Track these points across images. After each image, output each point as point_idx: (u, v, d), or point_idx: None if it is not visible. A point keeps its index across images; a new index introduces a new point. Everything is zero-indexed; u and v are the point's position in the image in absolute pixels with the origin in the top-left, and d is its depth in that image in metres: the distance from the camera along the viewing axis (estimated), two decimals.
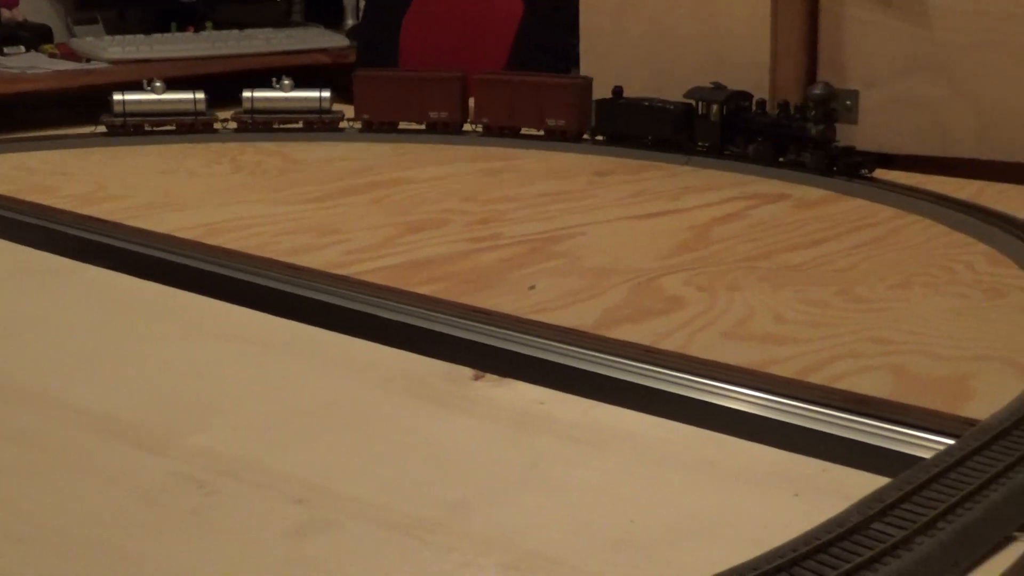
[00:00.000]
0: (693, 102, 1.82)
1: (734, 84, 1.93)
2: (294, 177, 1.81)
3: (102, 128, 2.12)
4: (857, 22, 1.93)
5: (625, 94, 1.94)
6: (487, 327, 1.08)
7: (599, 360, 1.01)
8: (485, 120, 2.05)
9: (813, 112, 1.64)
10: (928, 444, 0.85)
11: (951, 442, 0.82)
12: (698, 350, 1.02)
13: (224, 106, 2.16)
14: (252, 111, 2.12)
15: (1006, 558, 0.70)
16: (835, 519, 0.71)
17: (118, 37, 3.12)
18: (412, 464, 0.83)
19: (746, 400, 0.94)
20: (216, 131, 2.15)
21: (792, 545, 0.68)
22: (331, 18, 3.79)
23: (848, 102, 1.93)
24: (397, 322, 1.12)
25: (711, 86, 1.80)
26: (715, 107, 1.78)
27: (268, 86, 2.13)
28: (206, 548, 0.72)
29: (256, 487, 0.80)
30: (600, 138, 1.97)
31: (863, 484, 0.76)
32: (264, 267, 1.29)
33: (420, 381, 0.98)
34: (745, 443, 0.86)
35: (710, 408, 0.94)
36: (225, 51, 3.25)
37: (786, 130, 1.70)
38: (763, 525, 0.73)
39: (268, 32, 3.45)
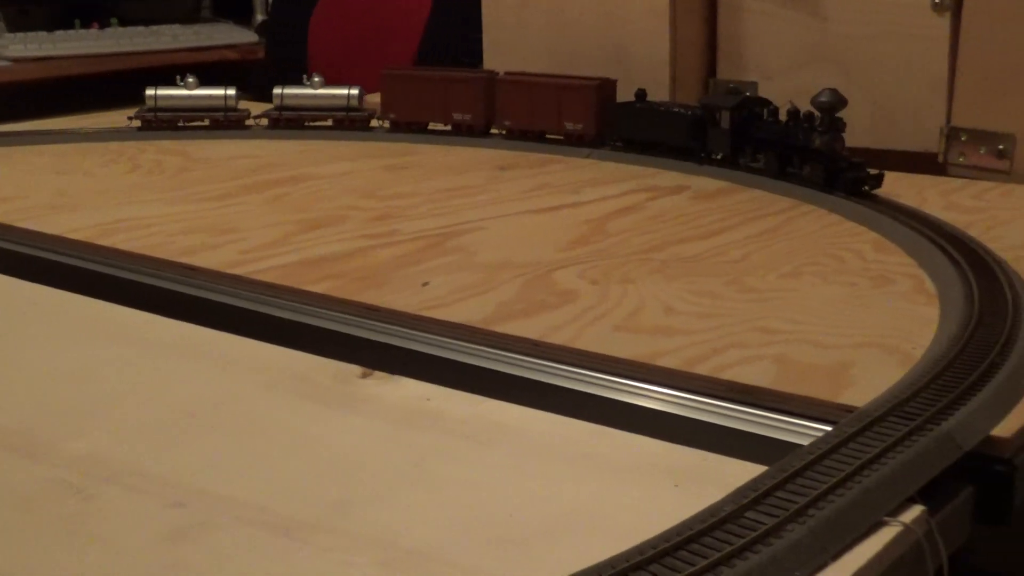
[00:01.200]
0: (708, 109, 1.71)
1: (635, 77, 1.94)
2: (193, 176, 1.79)
3: (137, 123, 2.12)
4: (755, 14, 1.95)
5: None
6: (377, 324, 1.08)
7: (487, 355, 1.02)
8: (507, 123, 1.97)
9: (818, 121, 1.51)
10: (807, 432, 0.87)
11: (829, 429, 0.83)
12: (587, 343, 1.03)
13: (131, 104, 2.14)
14: (156, 109, 2.10)
15: (877, 542, 0.71)
16: (709, 509, 0.72)
17: (19, 35, 3.07)
18: (294, 464, 0.83)
19: (632, 392, 0.95)
20: (248, 127, 2.12)
21: (665, 536, 0.69)
22: (240, 14, 3.76)
23: (749, 93, 1.95)
24: (287, 321, 1.12)
25: (728, 90, 1.70)
26: (725, 114, 1.65)
27: (172, 84, 2.12)
28: (80, 555, 0.71)
29: (134, 491, 0.79)
30: (619, 144, 1.88)
31: (743, 473, 0.77)
32: (156, 268, 1.27)
33: (307, 380, 0.97)
34: (628, 435, 0.87)
35: (596, 401, 0.95)
36: (131, 48, 3.22)
37: (793, 140, 1.57)
38: (642, 516, 0.74)
39: (175, 28, 3.42)
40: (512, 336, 1.05)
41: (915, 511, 0.75)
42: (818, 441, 0.80)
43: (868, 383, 0.92)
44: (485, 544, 0.72)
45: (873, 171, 1.51)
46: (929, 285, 1.19)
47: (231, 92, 2.12)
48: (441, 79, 2.02)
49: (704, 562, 0.66)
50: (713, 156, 1.72)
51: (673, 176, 1.73)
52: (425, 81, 2.05)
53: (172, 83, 2.12)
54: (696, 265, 1.28)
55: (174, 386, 0.98)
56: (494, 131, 2.01)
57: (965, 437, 0.82)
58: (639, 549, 0.67)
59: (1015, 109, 1.68)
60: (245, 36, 3.58)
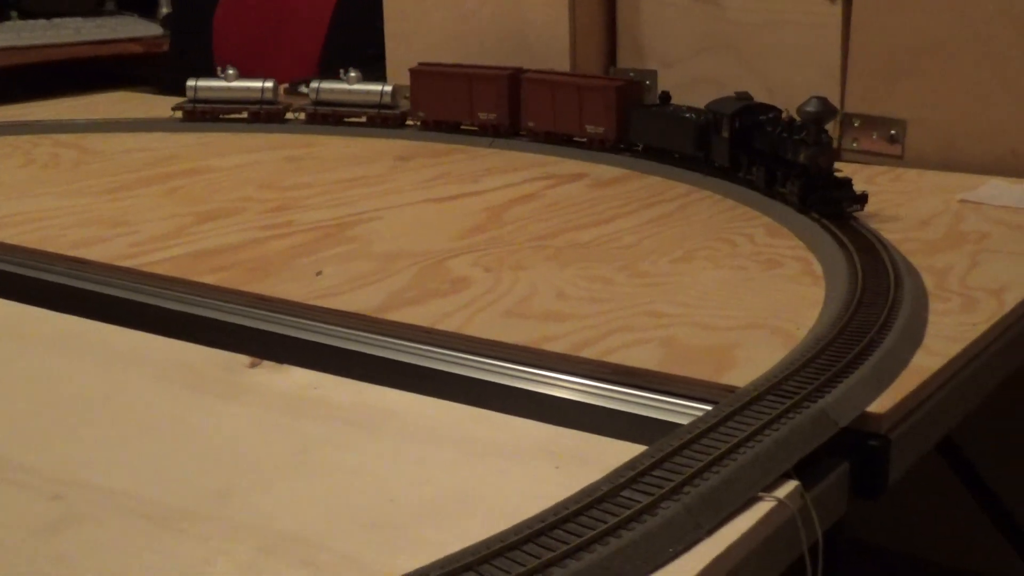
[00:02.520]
0: (712, 115, 1.56)
1: (536, 65, 1.95)
2: (89, 169, 1.77)
3: (179, 114, 2.08)
4: (653, 2, 1.97)
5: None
6: (266, 314, 1.08)
7: (377, 343, 1.02)
8: (531, 124, 1.87)
9: (804, 133, 1.35)
10: (689, 412, 0.88)
11: (710, 409, 0.85)
12: (478, 330, 1.03)
13: (32, 99, 2.12)
14: (195, 101, 2.08)
15: (751, 517, 0.73)
16: (586, 489, 0.73)
17: None
18: (177, 455, 0.82)
19: (518, 376, 0.96)
20: (286, 121, 2.07)
21: (541, 516, 0.70)
22: (145, 6, 3.71)
23: (647, 82, 1.97)
24: (177, 312, 1.11)
25: (736, 95, 1.52)
26: (725, 121, 1.50)
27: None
28: None
29: (14, 485, 0.78)
30: (639, 148, 1.76)
31: (624, 454, 0.78)
32: (45, 261, 1.26)
33: (195, 371, 0.97)
34: (513, 418, 0.87)
35: (483, 386, 0.95)
36: (31, 42, 3.16)
37: (782, 152, 1.41)
38: (521, 498, 0.74)
39: (78, 21, 3.36)
40: (402, 324, 1.05)
41: (790, 486, 0.76)
42: (696, 421, 0.81)
43: (751, 364, 0.94)
44: (364, 528, 0.72)
45: (858, 191, 1.36)
46: (816, 267, 1.21)
47: (268, 85, 2.07)
48: (466, 76, 1.92)
49: (578, 540, 0.67)
50: (717, 166, 1.56)
51: (573, 164, 1.74)
52: (451, 78, 1.93)
53: (92, 78, 2.08)
54: (590, 251, 1.29)
55: (59, 380, 0.97)
56: (522, 133, 1.91)
57: (841, 414, 0.84)
58: (515, 529, 0.68)
59: (906, 95, 1.72)
60: (149, 29, 3.53)
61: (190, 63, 3.31)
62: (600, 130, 1.77)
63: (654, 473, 0.75)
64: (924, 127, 1.71)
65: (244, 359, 0.98)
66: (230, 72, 2.08)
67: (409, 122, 2.01)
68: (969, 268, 1.20)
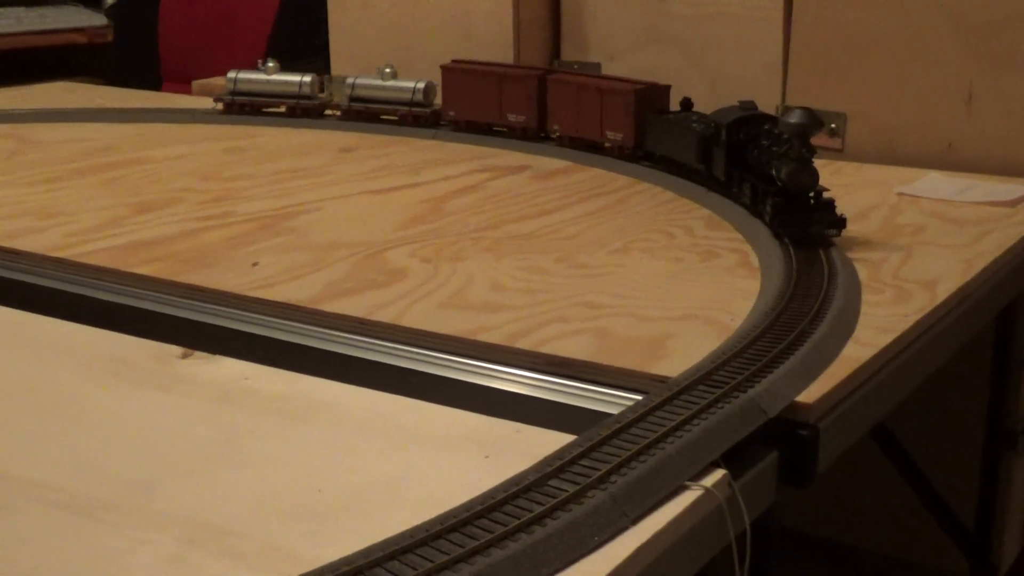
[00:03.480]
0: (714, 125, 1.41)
1: (480, 56, 1.95)
2: (25, 160, 1.74)
3: (220, 106, 2.03)
4: None
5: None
6: (199, 304, 1.07)
7: (310, 333, 1.02)
8: (556, 127, 1.75)
9: (787, 147, 1.22)
10: (620, 402, 0.88)
11: (640, 399, 0.85)
12: (413, 320, 1.03)
13: None
14: (235, 93, 2.02)
15: (678, 505, 0.73)
16: (514, 478, 0.73)
17: None
18: (101, 446, 0.81)
19: (451, 367, 0.96)
20: (324, 116, 1.99)
21: (468, 505, 0.69)
22: None
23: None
24: (109, 303, 1.10)
25: (740, 104, 1.39)
26: (722, 132, 1.37)
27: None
28: None
29: None
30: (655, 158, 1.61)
31: (554, 443, 0.77)
32: None
33: (125, 362, 0.96)
34: (445, 409, 0.87)
35: (417, 376, 0.95)
36: None
37: (767, 168, 1.26)
38: (450, 487, 0.74)
39: (19, 11, 3.33)
40: (336, 314, 1.04)
41: (717, 475, 0.76)
42: (626, 411, 0.81)
43: (684, 354, 0.94)
44: (290, 518, 0.71)
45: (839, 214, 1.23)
46: (753, 259, 1.22)
47: (307, 79, 1.99)
48: (496, 75, 1.80)
49: (504, 529, 0.67)
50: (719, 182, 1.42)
51: (515, 156, 1.74)
52: (481, 77, 1.82)
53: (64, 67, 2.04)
54: (529, 243, 1.29)
55: None
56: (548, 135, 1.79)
57: (770, 404, 0.85)
58: (441, 519, 0.68)
59: (846, 89, 1.73)
60: (93, 19, 3.50)
61: (135, 54, 3.29)
62: (619, 137, 1.64)
63: (581, 463, 0.75)
64: (864, 121, 1.72)
65: (176, 350, 0.98)
66: (270, 65, 2.00)
67: (442, 122, 1.91)
68: (904, 260, 1.21)
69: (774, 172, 1.22)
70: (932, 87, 1.66)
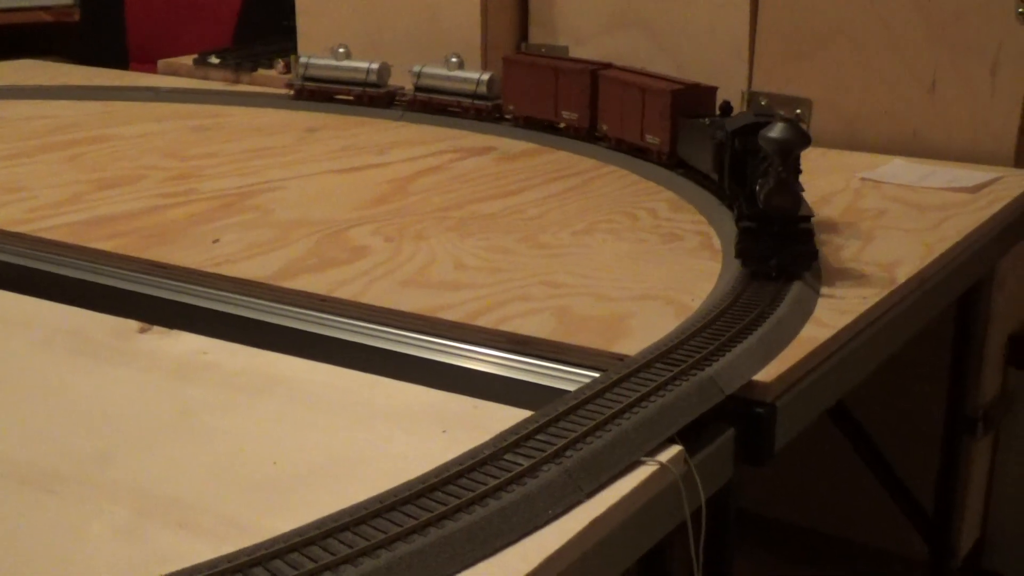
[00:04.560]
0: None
1: (447, 40, 1.94)
2: None
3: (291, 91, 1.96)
4: None
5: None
6: (159, 280, 1.06)
7: (270, 310, 1.01)
8: (605, 127, 1.61)
9: (766, 165, 1.07)
10: (579, 380, 0.88)
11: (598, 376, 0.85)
12: (374, 298, 1.03)
13: None
14: (304, 78, 1.95)
15: (633, 480, 0.73)
16: (471, 451, 0.73)
17: None
18: (57, 419, 0.81)
19: (411, 344, 0.96)
20: (392, 106, 1.88)
21: (423, 478, 0.70)
22: None
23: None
24: (67, 278, 1.09)
25: (757, 109, 1.28)
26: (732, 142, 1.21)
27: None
28: None
29: None
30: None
31: (512, 419, 0.78)
32: None
33: (82, 336, 0.95)
34: (404, 384, 0.87)
35: (377, 353, 0.95)
36: None
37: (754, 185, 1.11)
38: (406, 461, 0.74)
39: None
40: (297, 291, 1.04)
41: (673, 451, 0.77)
42: (583, 387, 0.82)
43: (644, 333, 0.94)
44: (245, 491, 0.71)
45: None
46: (716, 241, 1.22)
47: (375, 67, 1.89)
48: (552, 68, 1.66)
49: (457, 502, 0.67)
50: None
51: (481, 138, 1.74)
52: (538, 70, 1.68)
53: None
54: (492, 222, 1.28)
55: None
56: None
57: (727, 382, 0.85)
58: (395, 491, 0.68)
59: (812, 75, 1.73)
60: None
61: (102, 33, 3.27)
62: (656, 141, 1.49)
63: (538, 437, 0.75)
64: (829, 107, 1.73)
65: (134, 324, 0.97)
66: (340, 51, 1.91)
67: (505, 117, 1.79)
68: (865, 244, 1.21)
69: (757, 189, 1.07)
70: (897, 74, 1.66)
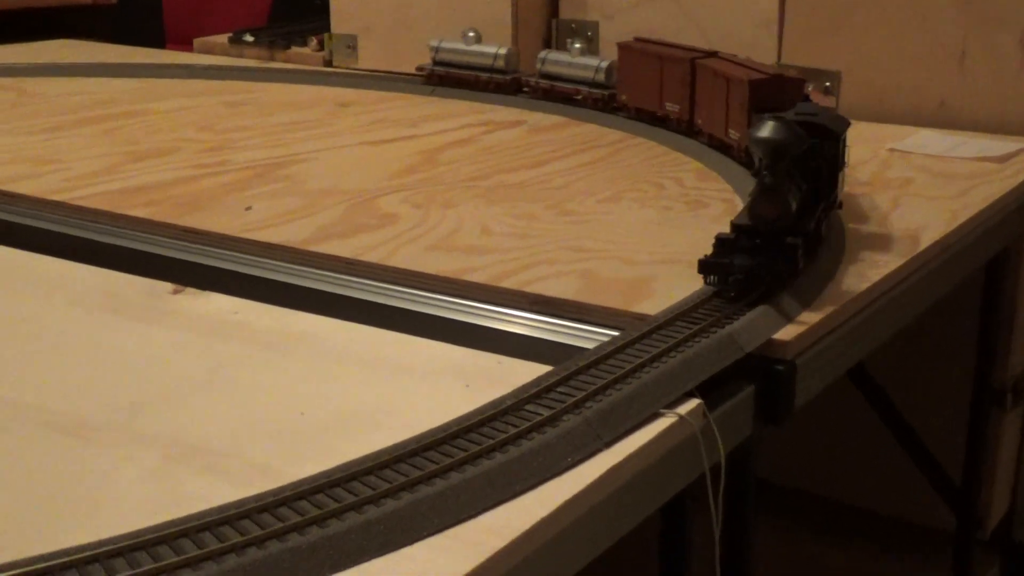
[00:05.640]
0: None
1: (476, 15, 1.95)
2: (25, 111, 1.76)
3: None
4: None
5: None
6: (192, 245, 1.08)
7: (298, 273, 1.03)
8: (700, 123, 1.49)
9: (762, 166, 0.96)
10: (601, 339, 0.89)
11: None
12: (401, 261, 1.05)
13: None
14: (436, 63, 1.87)
15: (651, 431, 0.74)
16: (492, 402, 0.75)
17: None
18: (90, 371, 0.83)
19: (437, 305, 0.97)
20: (519, 93, 1.80)
21: (445, 426, 0.71)
22: None
23: (589, 33, 1.98)
24: (103, 243, 1.11)
25: (798, 108, 1.12)
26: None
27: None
28: None
29: None
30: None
31: (534, 374, 0.79)
32: None
33: (116, 296, 0.98)
34: (428, 342, 0.89)
35: (402, 314, 0.97)
36: None
37: None
38: (430, 412, 0.76)
39: None
40: (325, 254, 1.06)
41: (692, 404, 0.78)
42: (605, 343, 0.83)
43: (666, 295, 0.95)
44: (272, 439, 0.73)
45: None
46: (740, 208, 1.23)
47: (502, 52, 1.81)
48: (657, 56, 1.55)
49: (477, 448, 0.69)
50: None
51: (510, 112, 1.75)
52: (646, 58, 1.57)
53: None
54: (519, 191, 1.30)
55: None
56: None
57: (748, 339, 0.86)
58: (417, 438, 0.70)
59: (841, 47, 1.74)
60: None
61: (139, 14, 3.30)
62: (736, 136, 1.36)
63: (558, 389, 0.76)
64: (857, 79, 1.73)
65: (167, 286, 0.99)
66: (470, 35, 1.85)
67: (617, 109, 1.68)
68: (890, 210, 1.22)
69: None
70: (925, 45, 1.66)
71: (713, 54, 1.51)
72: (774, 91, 1.30)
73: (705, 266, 0.94)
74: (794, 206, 0.93)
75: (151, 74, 2.06)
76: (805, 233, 0.95)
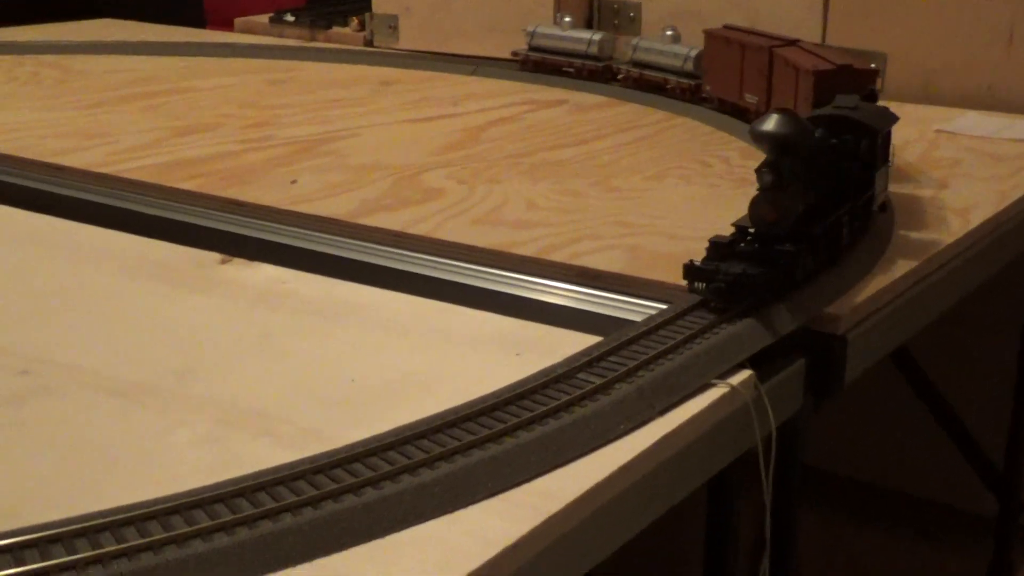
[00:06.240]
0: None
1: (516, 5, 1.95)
2: (70, 87, 1.77)
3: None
4: None
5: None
6: (239, 218, 1.09)
7: (346, 245, 1.03)
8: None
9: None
10: (649, 311, 0.89)
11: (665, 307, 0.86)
12: (447, 235, 1.04)
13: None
14: (531, 48, 1.81)
15: (704, 400, 0.74)
16: (544, 370, 0.74)
17: None
18: (142, 338, 0.83)
19: (485, 278, 0.97)
20: (611, 81, 1.73)
21: (497, 393, 0.71)
22: None
23: (632, 14, 1.97)
24: (152, 216, 1.12)
25: (835, 102, 1.04)
26: None
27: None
28: None
29: None
30: None
31: (584, 344, 0.79)
32: (22, 167, 1.26)
33: (166, 266, 0.98)
34: (479, 312, 0.89)
35: (450, 287, 0.96)
36: None
37: None
38: (481, 380, 0.75)
39: None
40: (373, 227, 1.06)
41: (744, 375, 0.78)
42: (653, 315, 0.83)
43: None
44: (323, 405, 0.73)
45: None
46: None
47: (596, 38, 1.75)
48: (739, 44, 1.44)
49: (530, 415, 0.69)
50: None
51: (554, 91, 1.74)
52: (729, 45, 1.47)
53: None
54: (564, 168, 1.30)
55: (32, 272, 0.98)
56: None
57: (799, 312, 0.86)
58: (470, 404, 0.70)
59: (886, 28, 1.72)
60: None
61: None
62: None
63: (610, 359, 0.76)
64: (904, 61, 1.72)
65: (215, 256, 1.00)
66: (567, 20, 1.79)
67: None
68: (939, 190, 1.21)
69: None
70: (972, 27, 1.65)
71: (794, 42, 1.40)
72: (842, 82, 1.20)
73: (690, 271, 0.85)
74: (800, 208, 0.86)
75: (193, 53, 2.06)
76: (809, 239, 0.87)
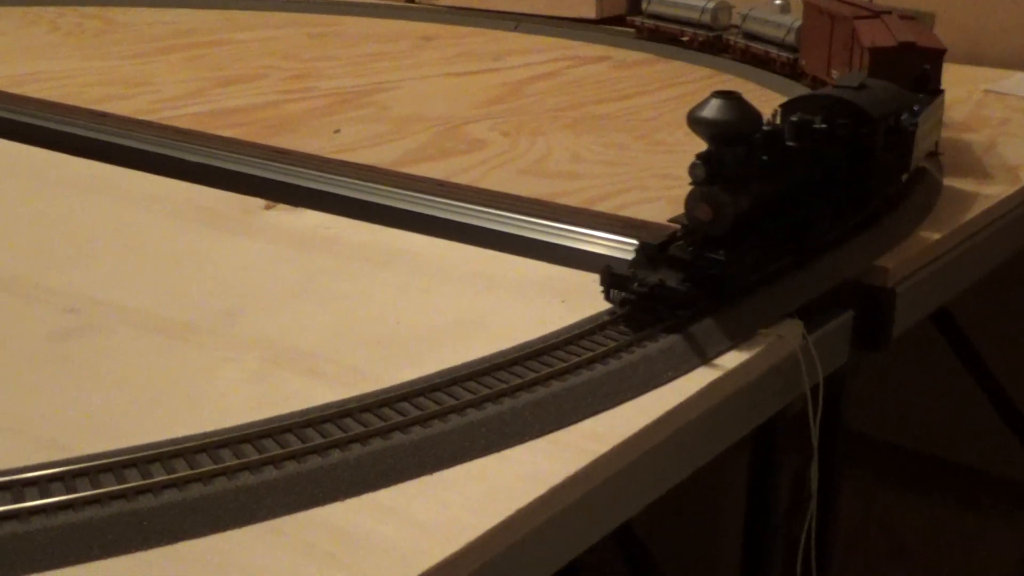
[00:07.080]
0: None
1: None
2: (112, 37, 1.77)
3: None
4: None
5: None
6: (282, 166, 1.08)
7: (390, 194, 1.02)
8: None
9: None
10: None
11: None
12: (492, 185, 1.04)
13: None
14: (647, 15, 1.72)
15: (751, 348, 0.73)
16: (589, 318, 0.74)
17: None
18: (189, 279, 0.84)
19: (529, 227, 0.96)
20: (722, 53, 1.62)
21: (544, 337, 0.71)
22: None
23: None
24: (195, 163, 1.12)
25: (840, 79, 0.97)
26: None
27: None
28: None
29: (31, 300, 0.80)
30: None
31: None
32: (66, 114, 1.26)
33: (211, 211, 0.98)
34: (524, 259, 0.88)
35: (495, 236, 0.96)
36: None
37: None
38: (526, 325, 0.75)
39: None
40: (416, 176, 1.06)
41: (792, 325, 0.77)
42: None
43: None
44: (369, 346, 0.73)
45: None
46: None
47: (709, 6, 1.63)
48: (829, 14, 1.33)
49: (577, 359, 0.68)
50: None
51: (596, 48, 1.73)
52: (821, 17, 1.36)
53: None
54: (608, 122, 1.29)
55: (78, 215, 0.98)
56: None
57: (847, 265, 0.85)
58: (517, 348, 0.69)
59: None
60: None
61: None
62: None
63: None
64: (952, 22, 1.69)
65: (259, 202, 1.00)
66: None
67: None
68: (988, 148, 1.19)
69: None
70: None
71: (886, 12, 1.29)
72: (904, 59, 1.12)
73: (606, 277, 0.76)
74: (743, 207, 0.75)
75: (233, 6, 2.06)
76: (755, 244, 0.76)
